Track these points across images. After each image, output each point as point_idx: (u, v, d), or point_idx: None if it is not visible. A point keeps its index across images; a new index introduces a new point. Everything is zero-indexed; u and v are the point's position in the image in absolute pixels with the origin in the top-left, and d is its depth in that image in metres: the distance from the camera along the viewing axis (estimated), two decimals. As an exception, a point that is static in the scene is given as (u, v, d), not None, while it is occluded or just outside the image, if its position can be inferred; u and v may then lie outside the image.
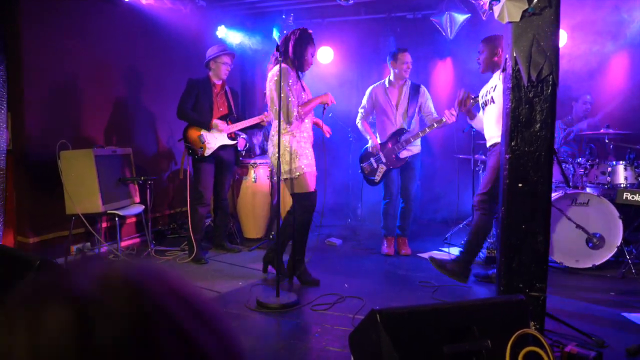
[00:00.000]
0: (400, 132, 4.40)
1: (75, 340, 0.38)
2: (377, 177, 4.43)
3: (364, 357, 1.83)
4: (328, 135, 3.76)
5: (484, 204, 3.53)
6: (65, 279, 0.44)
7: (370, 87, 4.65)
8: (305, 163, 3.46)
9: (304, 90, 3.54)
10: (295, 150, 3.44)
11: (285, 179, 3.47)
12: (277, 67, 3.33)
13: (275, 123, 3.42)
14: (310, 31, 3.54)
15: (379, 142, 4.48)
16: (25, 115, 3.73)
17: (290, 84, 3.40)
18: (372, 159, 4.46)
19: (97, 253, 4.23)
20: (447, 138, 5.78)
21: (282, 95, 3.28)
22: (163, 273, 0.47)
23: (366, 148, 4.53)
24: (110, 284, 0.43)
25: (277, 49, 3.28)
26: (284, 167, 3.42)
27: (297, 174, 3.44)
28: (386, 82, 4.53)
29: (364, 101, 4.62)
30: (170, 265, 4.05)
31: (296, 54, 3.45)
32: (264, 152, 5.45)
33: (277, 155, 3.33)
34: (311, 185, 3.50)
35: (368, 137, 4.53)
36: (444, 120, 4.15)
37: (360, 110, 4.63)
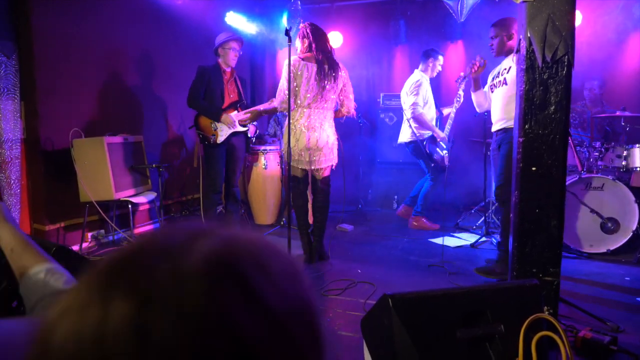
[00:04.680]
0: (446, 118, 4.82)
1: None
2: (447, 162, 4.73)
3: (375, 341, 1.83)
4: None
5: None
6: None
7: (422, 79, 4.82)
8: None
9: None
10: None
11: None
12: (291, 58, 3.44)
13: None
14: (312, 25, 3.69)
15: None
16: (38, 104, 3.75)
17: (304, 75, 3.57)
18: (437, 149, 4.74)
19: (112, 240, 4.29)
20: (456, 122, 5.71)
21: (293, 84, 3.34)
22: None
23: (427, 143, 4.72)
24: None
25: (286, 34, 3.24)
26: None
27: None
28: (428, 77, 4.89)
29: (420, 93, 4.77)
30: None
31: (319, 47, 3.64)
32: (274, 135, 5.46)
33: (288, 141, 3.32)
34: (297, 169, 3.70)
35: (434, 131, 4.74)
36: None
37: (419, 102, 4.75)
